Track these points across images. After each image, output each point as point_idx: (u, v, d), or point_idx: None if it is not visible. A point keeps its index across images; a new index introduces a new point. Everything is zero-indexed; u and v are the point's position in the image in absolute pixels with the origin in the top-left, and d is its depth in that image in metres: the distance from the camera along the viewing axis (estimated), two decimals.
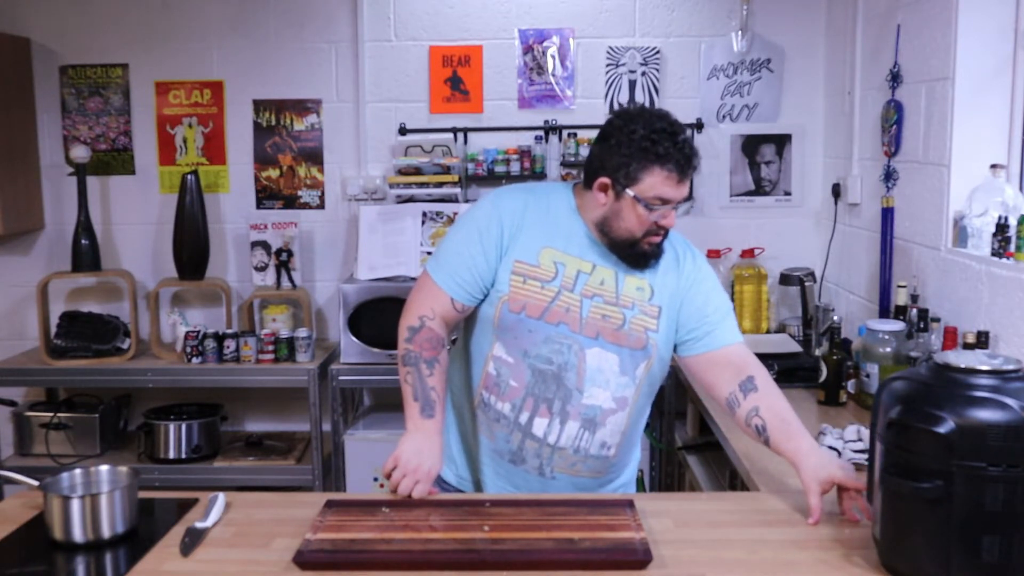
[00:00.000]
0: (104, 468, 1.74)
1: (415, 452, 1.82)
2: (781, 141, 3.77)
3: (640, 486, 3.82)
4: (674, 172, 1.84)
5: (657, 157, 1.83)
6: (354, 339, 3.38)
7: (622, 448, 1.99)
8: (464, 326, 2.03)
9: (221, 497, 1.74)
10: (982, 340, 2.28)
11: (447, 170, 3.59)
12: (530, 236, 1.92)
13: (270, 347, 3.48)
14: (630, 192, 1.84)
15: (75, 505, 1.58)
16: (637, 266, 1.93)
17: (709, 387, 1.98)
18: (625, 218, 1.87)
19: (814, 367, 2.76)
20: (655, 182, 1.84)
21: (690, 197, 1.93)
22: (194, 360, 3.50)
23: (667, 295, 1.95)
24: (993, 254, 2.40)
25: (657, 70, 3.71)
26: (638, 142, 1.83)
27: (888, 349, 2.53)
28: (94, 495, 1.60)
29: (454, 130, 3.72)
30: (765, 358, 3.14)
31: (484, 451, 1.99)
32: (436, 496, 1.83)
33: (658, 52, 3.71)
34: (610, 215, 1.89)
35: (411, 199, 3.60)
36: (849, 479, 1.70)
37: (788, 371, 3.11)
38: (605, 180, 1.87)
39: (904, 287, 2.74)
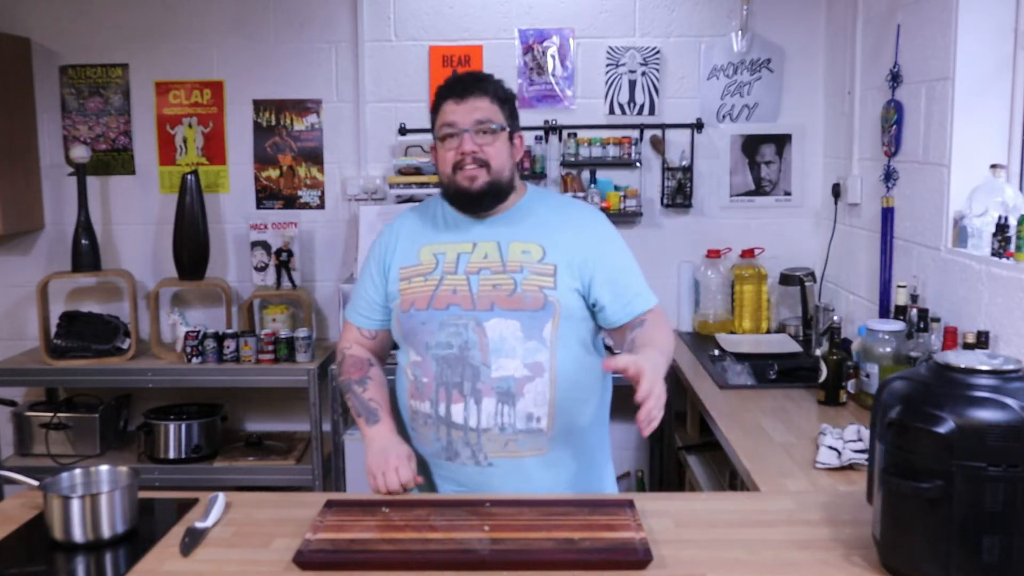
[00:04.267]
0: (104, 468, 1.74)
1: (379, 453, 1.91)
2: (781, 141, 3.77)
3: (640, 486, 3.83)
4: (450, 96, 1.93)
5: (440, 92, 1.96)
6: None
7: (557, 422, 1.91)
8: (397, 351, 2.07)
9: (221, 497, 1.74)
10: (982, 340, 2.28)
11: None
12: (410, 242, 2.01)
13: (270, 347, 3.48)
14: (434, 136, 1.96)
15: (75, 505, 1.58)
16: (470, 209, 1.97)
17: (620, 345, 2.01)
18: (439, 162, 1.97)
19: (814, 367, 2.76)
20: (442, 114, 1.94)
21: (507, 130, 1.95)
22: (194, 360, 3.50)
23: (563, 253, 1.94)
24: (993, 254, 2.40)
25: (657, 70, 3.71)
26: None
27: (888, 349, 2.53)
28: (94, 495, 1.60)
29: None
30: (765, 358, 3.19)
31: (425, 459, 1.98)
32: (436, 496, 1.83)
33: (658, 52, 3.71)
34: (436, 171, 2.00)
35: (411, 199, 3.60)
36: (645, 379, 1.63)
37: (788, 371, 3.12)
38: (432, 144, 2.00)
39: (904, 287, 2.74)
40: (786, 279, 3.63)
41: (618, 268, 1.98)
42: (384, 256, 2.04)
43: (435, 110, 1.97)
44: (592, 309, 1.97)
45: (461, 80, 1.95)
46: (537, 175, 3.71)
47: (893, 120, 2.94)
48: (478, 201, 1.94)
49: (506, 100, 1.97)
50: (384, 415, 1.98)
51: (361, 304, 2.08)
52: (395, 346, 2.08)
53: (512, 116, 1.99)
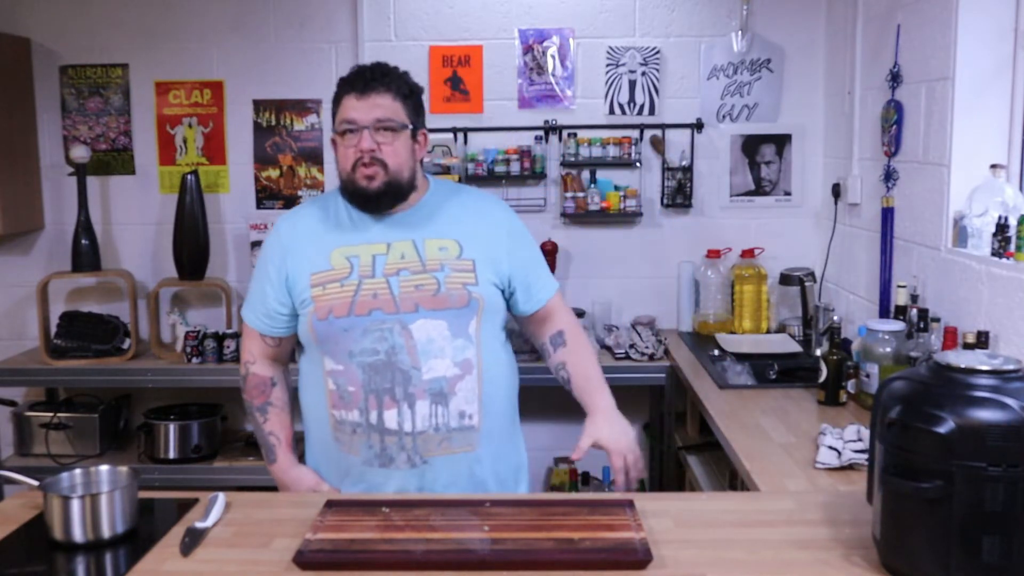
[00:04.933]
0: (104, 468, 1.74)
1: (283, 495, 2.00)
2: (781, 141, 3.77)
3: (640, 486, 3.83)
4: (352, 91, 1.87)
5: (341, 85, 1.90)
6: None
7: (486, 418, 1.93)
8: (301, 356, 2.03)
9: (221, 497, 1.74)
10: (982, 340, 2.28)
11: (447, 170, 3.59)
12: (316, 244, 1.93)
13: None
14: (334, 130, 1.91)
15: (75, 505, 1.58)
16: (368, 208, 1.92)
17: (531, 336, 2.12)
18: (338, 159, 1.91)
19: (814, 367, 2.76)
20: (343, 110, 1.89)
21: (412, 129, 1.90)
22: (194, 360, 3.50)
23: (479, 246, 1.94)
24: (993, 254, 2.40)
25: (657, 70, 3.71)
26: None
27: (888, 349, 2.53)
28: (94, 495, 1.60)
29: (454, 130, 3.72)
30: (765, 358, 3.19)
31: (356, 470, 1.94)
32: (436, 496, 1.83)
33: (658, 52, 3.71)
34: (337, 166, 1.94)
35: None
36: (615, 452, 1.93)
37: (788, 371, 3.12)
38: (332, 136, 1.94)
39: (904, 287, 2.74)
40: (786, 279, 3.64)
41: (527, 259, 2.02)
42: (285, 255, 1.95)
43: (336, 102, 1.91)
44: (507, 300, 2.01)
45: (363, 75, 1.87)
46: (537, 175, 3.71)
47: (893, 120, 2.94)
48: (376, 201, 1.90)
49: (410, 95, 1.91)
50: (281, 452, 2.01)
51: (260, 307, 1.98)
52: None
53: (416, 112, 1.93)
